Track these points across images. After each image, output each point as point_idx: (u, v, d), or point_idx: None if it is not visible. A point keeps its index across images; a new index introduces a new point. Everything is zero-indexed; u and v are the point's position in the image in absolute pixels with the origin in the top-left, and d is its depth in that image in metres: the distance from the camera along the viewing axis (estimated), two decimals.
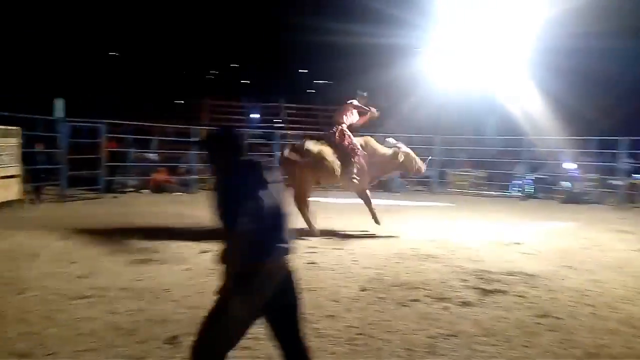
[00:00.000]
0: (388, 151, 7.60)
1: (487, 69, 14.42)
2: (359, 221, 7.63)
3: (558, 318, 3.86)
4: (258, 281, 2.19)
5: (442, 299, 4.23)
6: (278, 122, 19.40)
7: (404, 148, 7.66)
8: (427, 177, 14.38)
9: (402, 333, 3.47)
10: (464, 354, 3.16)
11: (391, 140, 7.85)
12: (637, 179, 12.25)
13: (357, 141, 7.45)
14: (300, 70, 27.77)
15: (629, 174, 12.23)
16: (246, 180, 2.24)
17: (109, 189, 11.30)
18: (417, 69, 15.25)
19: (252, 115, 20.88)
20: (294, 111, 19.55)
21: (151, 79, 24.02)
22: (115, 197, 10.85)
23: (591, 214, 10.04)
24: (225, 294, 2.19)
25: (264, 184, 2.25)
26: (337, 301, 4.14)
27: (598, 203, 11.84)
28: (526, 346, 3.31)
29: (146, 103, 20.89)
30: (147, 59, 24.65)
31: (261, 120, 20.37)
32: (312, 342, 3.25)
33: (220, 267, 2.22)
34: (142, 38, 23.00)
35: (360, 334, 3.44)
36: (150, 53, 24.44)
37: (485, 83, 14.74)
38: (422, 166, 7.89)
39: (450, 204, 11.28)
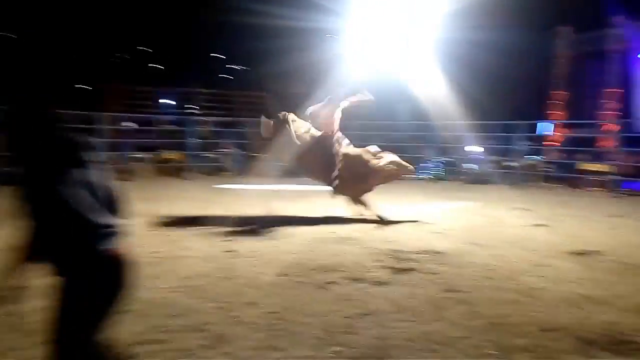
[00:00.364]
0: (380, 162, 7.40)
1: (399, 57, 14.88)
2: (280, 207, 7.64)
3: (464, 292, 4.12)
4: (84, 268, 1.99)
5: (358, 280, 4.36)
6: (193, 108, 18.85)
7: (389, 156, 7.51)
8: None
9: (321, 315, 3.54)
10: (378, 331, 3.29)
11: (373, 147, 7.63)
12: (532, 159, 13.34)
13: (356, 151, 7.35)
14: (215, 55, 27.09)
15: (524, 155, 13.28)
16: (61, 164, 1.95)
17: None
18: (332, 54, 15.41)
19: (164, 101, 20.11)
20: (209, 97, 19.08)
21: (50, 62, 22.31)
22: None
23: (493, 194, 10.77)
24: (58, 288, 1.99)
25: (82, 166, 1.98)
26: (257, 287, 4.13)
27: (499, 183, 12.74)
28: (436, 320, 3.50)
29: (45, 87, 19.41)
30: (46, 40, 22.84)
31: (175, 106, 19.68)
32: (230, 330, 3.25)
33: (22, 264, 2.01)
34: (40, 17, 21.27)
35: (280, 319, 3.46)
36: (50, 34, 22.66)
37: (397, 71, 15.21)
38: (411, 167, 7.86)
39: None
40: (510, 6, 14.03)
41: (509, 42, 14.78)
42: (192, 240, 5.77)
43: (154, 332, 3.21)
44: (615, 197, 10.57)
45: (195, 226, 6.54)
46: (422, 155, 14.51)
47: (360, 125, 14.74)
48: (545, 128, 15.66)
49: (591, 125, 15.21)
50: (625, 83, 15.34)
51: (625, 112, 14.92)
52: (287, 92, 20.37)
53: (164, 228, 6.41)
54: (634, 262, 5.13)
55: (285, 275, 4.49)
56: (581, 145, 13.40)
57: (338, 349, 3.02)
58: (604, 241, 6.04)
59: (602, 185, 11.40)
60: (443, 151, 14.70)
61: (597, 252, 5.48)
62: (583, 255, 5.39)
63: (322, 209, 8.05)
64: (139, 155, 13.13)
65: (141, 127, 14.73)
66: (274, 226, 6.69)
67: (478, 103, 15.70)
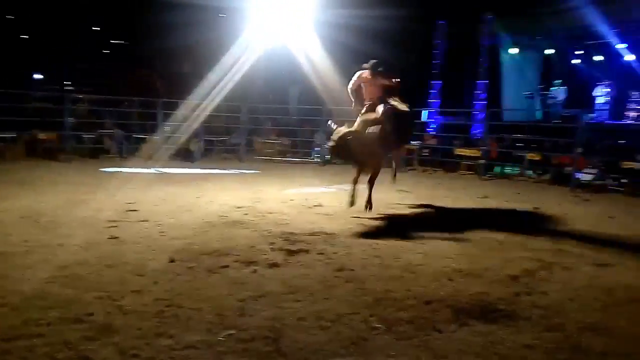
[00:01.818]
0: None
1: (288, 40, 14.95)
2: (170, 191, 7.37)
3: (352, 270, 4.30)
4: None
5: (251, 263, 4.36)
6: (68, 84, 17.36)
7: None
8: (234, 145, 14.54)
9: (213, 300, 3.49)
10: (271, 312, 3.33)
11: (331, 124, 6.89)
12: (412, 144, 14.18)
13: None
14: (95, 29, 25.02)
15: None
16: None
17: None
18: (223, 34, 15.04)
19: (38, 77, 18.28)
20: (88, 72, 17.71)
21: None
22: None
23: (379, 177, 11.29)
24: None
25: None
26: (144, 275, 3.95)
27: (384, 167, 13.40)
28: (326, 298, 3.62)
29: None
30: None
31: (49, 82, 17.98)
32: (116, 320, 3.09)
33: None
34: None
35: (169, 305, 3.36)
36: None
37: (288, 54, 15.28)
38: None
39: (258, 171, 11.58)
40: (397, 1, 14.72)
41: (394, 32, 15.49)
42: (71, 227, 5.36)
43: (30, 326, 2.95)
44: (483, 180, 11.64)
45: (74, 212, 6.09)
46: (314, 139, 14.79)
47: (250, 109, 14.63)
48: (429, 116, 16.72)
49: (465, 114, 16.51)
50: (494, 75, 16.87)
51: (496, 102, 16.40)
52: (174, 71, 19.54)
53: (38, 214, 5.87)
54: (500, 235, 5.71)
55: (175, 261, 4.35)
56: (455, 131, 14.50)
57: (231, 332, 3.01)
58: (471, 219, 6.62)
59: (473, 169, 12.46)
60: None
61: (468, 229, 6.00)
62: (457, 232, 5.87)
63: (213, 193, 7.92)
64: (8, 135, 11.81)
65: (10, 104, 13.25)
66: (163, 211, 6.45)
67: None
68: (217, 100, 13.26)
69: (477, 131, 15.11)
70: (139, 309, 3.28)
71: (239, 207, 6.84)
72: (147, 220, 5.85)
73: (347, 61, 15.92)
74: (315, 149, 14.67)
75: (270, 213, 6.60)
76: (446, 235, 5.77)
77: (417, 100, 16.85)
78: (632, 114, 14.21)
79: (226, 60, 14.03)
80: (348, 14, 14.39)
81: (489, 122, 13.15)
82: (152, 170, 9.36)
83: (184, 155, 12.89)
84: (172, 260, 4.35)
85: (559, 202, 8.36)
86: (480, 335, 3.11)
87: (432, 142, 14.50)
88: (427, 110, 16.69)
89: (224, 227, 5.72)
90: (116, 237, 5.02)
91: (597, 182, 10.52)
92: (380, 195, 8.56)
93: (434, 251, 5.05)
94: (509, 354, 2.88)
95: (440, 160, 13.24)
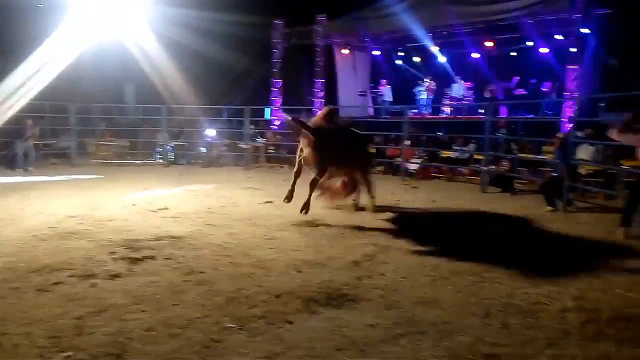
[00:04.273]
0: None
1: (122, 36, 14.01)
2: None
3: (202, 272, 4.22)
4: None
5: (89, 276, 4.02)
6: None
7: None
8: (64, 149, 13.24)
9: (45, 321, 3.15)
10: (115, 326, 3.11)
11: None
12: (258, 142, 14.40)
13: None
14: None
15: (252, 138, 14.25)
16: None
17: None
18: (40, 26, 13.49)
19: None
20: None
21: None
22: None
23: (226, 175, 11.27)
24: None
25: None
26: None
27: (232, 165, 13.40)
28: (176, 304, 3.51)
29: None
30: None
31: None
32: None
33: None
34: None
35: None
36: None
37: (120, 50, 14.32)
38: None
39: (94, 176, 10.72)
40: (236, 1, 14.73)
41: (234, 33, 15.50)
42: None
43: None
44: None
45: None
46: (155, 140, 14.11)
47: (79, 109, 13.40)
48: (272, 113, 17.04)
49: (306, 111, 17.15)
50: (330, 74, 17.80)
51: (333, 99, 17.30)
52: None
53: None
54: (343, 225, 6.08)
55: None
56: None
57: (68, 354, 2.75)
58: (316, 212, 6.91)
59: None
60: (176, 135, 14.56)
61: (313, 222, 6.27)
62: (303, 225, 6.12)
63: (41, 203, 7.12)
64: None
65: None
66: None
67: (210, 88, 16.08)
68: (31, 98, 11.90)
69: None
70: None
71: (72, 217, 6.24)
72: None
73: (189, 61, 15.53)
74: (158, 149, 14.02)
75: (110, 220, 6.14)
76: (294, 228, 5.97)
77: (261, 98, 17.13)
78: (447, 109, 16.12)
79: (43, 54, 12.63)
80: (187, 13, 14.02)
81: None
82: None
83: (6, 162, 11.36)
84: None
85: (392, 192, 9.15)
86: (329, 321, 3.28)
87: (275, 139, 14.82)
88: (269, 108, 17.00)
89: (56, 239, 5.18)
90: None
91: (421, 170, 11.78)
92: (230, 193, 8.55)
93: (283, 245, 5.19)
94: (355, 335, 3.10)
95: (286, 157, 13.59)
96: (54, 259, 4.46)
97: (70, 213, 6.44)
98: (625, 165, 7.96)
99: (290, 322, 3.25)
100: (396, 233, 5.86)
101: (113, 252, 4.73)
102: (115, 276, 4.07)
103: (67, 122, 13.18)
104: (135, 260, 4.49)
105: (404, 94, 16.55)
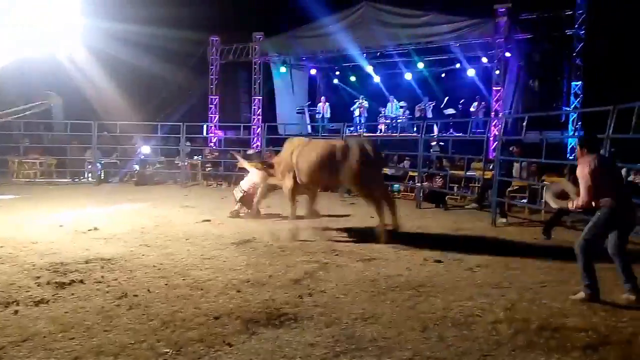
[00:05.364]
0: None
1: (49, 46, 13.33)
2: None
3: (136, 295, 4.05)
4: None
5: (10, 303, 3.75)
6: None
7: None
8: None
9: None
10: (39, 357, 2.91)
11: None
12: (195, 159, 14.10)
13: None
14: None
15: (189, 155, 13.94)
16: None
17: None
18: None
19: None
20: None
21: None
22: None
23: (161, 193, 10.94)
24: None
25: None
26: None
27: (166, 183, 13.04)
28: (107, 330, 3.33)
29: None
30: None
31: None
32: None
33: None
34: None
35: None
36: None
37: (48, 62, 13.63)
38: None
39: (17, 196, 10.06)
40: (172, 16, 14.53)
41: (172, 48, 15.25)
42: None
43: None
44: None
45: None
46: (84, 157, 13.47)
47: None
48: (208, 130, 16.74)
49: (244, 128, 17.00)
50: (269, 91, 17.83)
51: (272, 117, 17.28)
52: None
53: None
54: (279, 245, 6.04)
55: None
56: (235, 145, 14.83)
57: None
58: (256, 230, 6.85)
59: None
60: (107, 152, 13.97)
61: (252, 240, 6.21)
62: (242, 244, 6.03)
63: None
64: None
65: None
66: None
67: (145, 104, 15.66)
68: None
69: (255, 145, 15.71)
70: None
71: None
72: None
73: (124, 75, 15.02)
74: (88, 167, 13.39)
75: (34, 243, 5.78)
76: (231, 247, 5.87)
77: (198, 115, 16.85)
78: (382, 127, 16.53)
79: None
80: (122, 27, 13.60)
81: (266, 135, 13.71)
82: None
83: None
84: None
85: (329, 208, 9.21)
86: (269, 341, 3.24)
87: (212, 156, 14.55)
88: (206, 124, 16.73)
89: None
90: None
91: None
92: (165, 212, 8.29)
93: (221, 265, 5.08)
94: (295, 354, 3.07)
95: (222, 174, 13.37)
96: None
97: None
98: (547, 180, 8.47)
99: (230, 345, 3.17)
100: (336, 249, 5.89)
101: (37, 277, 4.45)
102: (39, 302, 3.82)
103: None
104: (62, 285, 4.24)
105: (342, 112, 16.83)
